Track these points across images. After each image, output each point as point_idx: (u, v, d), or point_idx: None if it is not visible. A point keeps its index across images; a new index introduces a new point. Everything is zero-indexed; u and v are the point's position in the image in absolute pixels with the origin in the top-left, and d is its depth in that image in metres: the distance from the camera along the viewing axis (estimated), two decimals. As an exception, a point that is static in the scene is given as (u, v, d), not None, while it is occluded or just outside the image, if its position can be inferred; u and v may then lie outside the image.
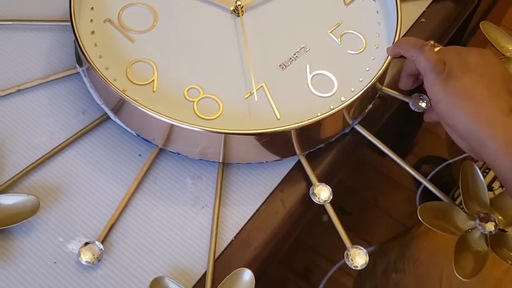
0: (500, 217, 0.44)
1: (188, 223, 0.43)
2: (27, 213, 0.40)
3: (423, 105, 0.49)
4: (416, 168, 1.25)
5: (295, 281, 1.12)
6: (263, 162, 0.46)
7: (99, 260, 0.40)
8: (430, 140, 1.32)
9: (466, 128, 0.38)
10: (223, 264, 0.41)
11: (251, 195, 0.45)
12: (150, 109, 0.42)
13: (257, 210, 0.45)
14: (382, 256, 0.89)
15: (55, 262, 0.40)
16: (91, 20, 0.48)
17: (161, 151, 0.46)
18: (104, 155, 0.45)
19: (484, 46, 0.74)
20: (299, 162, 0.47)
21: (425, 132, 1.30)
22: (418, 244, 0.80)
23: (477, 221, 0.43)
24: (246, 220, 0.44)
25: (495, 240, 0.43)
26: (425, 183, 0.46)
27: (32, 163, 0.44)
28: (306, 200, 0.46)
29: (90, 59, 0.44)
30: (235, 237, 0.43)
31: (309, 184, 0.46)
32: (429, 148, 1.33)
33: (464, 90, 0.38)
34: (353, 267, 0.41)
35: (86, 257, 0.39)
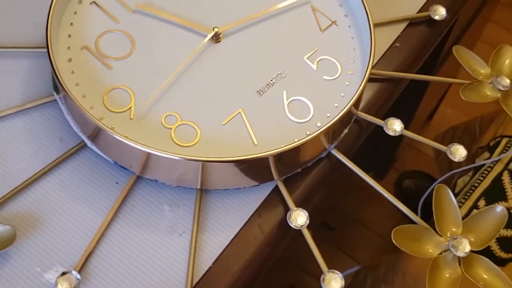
0: (472, 239, 0.45)
1: (166, 250, 0.43)
2: (3, 243, 0.40)
3: (398, 128, 0.50)
4: (398, 182, 1.27)
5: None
6: (241, 188, 0.47)
7: (76, 291, 0.40)
8: (411, 154, 1.34)
9: None
10: (202, 291, 0.42)
11: (229, 221, 0.45)
12: (126, 137, 0.42)
13: (235, 236, 0.45)
14: (372, 269, 0.89)
15: (31, 293, 0.40)
16: (68, 47, 0.49)
17: (139, 178, 0.46)
18: (81, 183, 0.45)
19: (458, 69, 0.76)
20: (276, 187, 0.48)
21: (406, 146, 1.32)
22: (406, 256, 0.81)
23: (450, 244, 0.44)
24: (224, 247, 0.44)
25: (468, 262, 0.44)
26: (398, 205, 0.47)
27: (8, 192, 0.44)
28: (284, 224, 0.46)
29: (67, 87, 0.44)
30: (213, 263, 0.43)
31: (287, 208, 0.46)
32: (410, 162, 1.35)
33: None
34: (328, 292, 0.41)
35: (63, 287, 0.39)
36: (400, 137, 0.51)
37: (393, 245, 0.43)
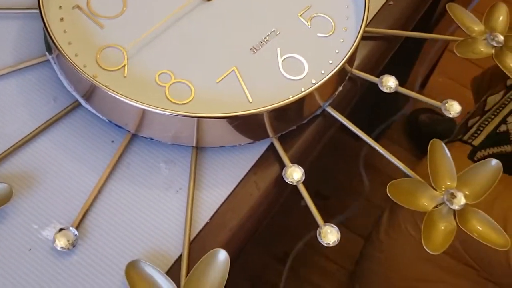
0: (467, 193, 0.45)
1: (163, 206, 0.43)
2: (0, 201, 0.40)
3: (392, 85, 0.50)
4: (412, 118, 1.28)
5: (274, 266, 1.14)
6: (236, 145, 0.47)
7: (74, 246, 0.40)
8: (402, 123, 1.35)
9: None
10: (199, 246, 0.42)
11: (225, 178, 0.46)
12: (121, 94, 0.42)
13: (231, 193, 0.45)
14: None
15: (30, 249, 0.40)
16: (60, 6, 0.48)
17: (134, 136, 0.46)
18: (76, 142, 0.45)
19: (455, 30, 0.76)
20: (271, 145, 0.48)
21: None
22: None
23: (445, 197, 0.44)
24: (220, 203, 0.45)
25: (463, 215, 0.44)
26: (393, 160, 0.47)
27: (4, 151, 0.43)
28: (280, 181, 0.46)
29: (60, 46, 0.44)
30: (210, 219, 0.44)
31: (282, 166, 0.46)
32: (403, 131, 1.36)
33: None
34: (325, 244, 0.42)
35: (60, 243, 0.40)
36: (393, 102, 0.51)
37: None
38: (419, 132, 1.29)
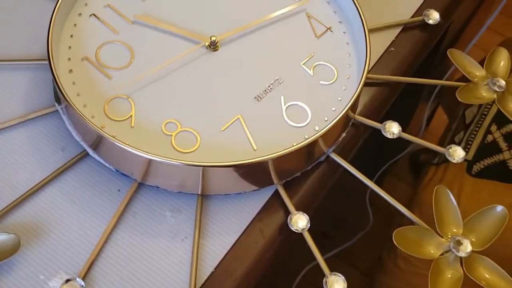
0: (473, 239, 0.45)
1: (169, 256, 0.43)
2: (8, 252, 0.41)
3: (395, 131, 0.50)
4: (413, 160, 1.28)
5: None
6: (241, 193, 0.47)
7: (80, 297, 0.40)
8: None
9: None
10: (205, 295, 0.42)
11: (231, 225, 0.46)
12: (128, 144, 0.43)
13: (236, 240, 0.45)
14: None
15: (36, 301, 0.40)
16: (69, 58, 0.49)
17: (140, 185, 0.46)
18: (84, 191, 0.46)
19: (453, 71, 0.77)
20: (277, 191, 0.48)
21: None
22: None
23: (452, 244, 0.44)
24: (226, 251, 0.45)
25: (469, 262, 0.44)
26: (398, 207, 0.47)
27: (12, 202, 0.44)
28: (285, 228, 0.46)
29: (68, 97, 0.45)
30: (215, 268, 0.44)
31: (287, 212, 0.47)
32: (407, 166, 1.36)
33: None
34: (332, 294, 0.42)
35: (67, 294, 0.40)
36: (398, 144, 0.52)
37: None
38: (421, 170, 1.29)
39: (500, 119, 0.79)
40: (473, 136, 0.81)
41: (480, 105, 0.85)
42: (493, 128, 0.80)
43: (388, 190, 0.48)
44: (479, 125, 0.82)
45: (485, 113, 0.82)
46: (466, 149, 0.80)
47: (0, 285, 0.41)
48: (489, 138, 0.80)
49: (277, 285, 1.10)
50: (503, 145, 0.79)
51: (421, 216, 0.47)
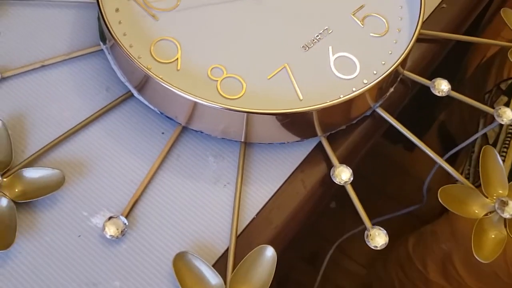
0: (519, 202, 0.44)
1: (211, 200, 0.43)
2: (52, 187, 0.41)
3: (445, 88, 0.49)
4: (440, 131, 1.25)
5: (301, 266, 1.13)
6: (284, 143, 0.47)
7: (123, 235, 0.40)
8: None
9: None
10: (245, 241, 0.42)
11: (272, 174, 0.46)
12: (174, 86, 0.42)
13: (278, 190, 0.45)
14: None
15: (79, 236, 0.41)
16: (115, -3, 0.48)
17: (184, 129, 0.46)
18: (127, 132, 0.46)
19: (498, 34, 0.74)
20: (320, 144, 0.47)
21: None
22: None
23: (496, 205, 0.43)
24: (267, 199, 0.44)
25: (514, 224, 0.43)
26: (441, 163, 0.46)
27: (56, 138, 0.44)
28: (327, 181, 0.46)
29: (116, 36, 0.44)
30: (256, 215, 0.43)
31: (330, 165, 0.46)
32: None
33: None
34: (373, 247, 0.41)
35: (110, 231, 0.40)
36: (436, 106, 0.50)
37: (419, 222, 0.43)
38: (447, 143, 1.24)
39: None
40: (502, 157, 0.75)
41: (501, 125, 0.75)
42: None
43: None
44: (506, 146, 0.75)
45: (510, 131, 0.73)
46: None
47: (44, 219, 0.41)
48: None
49: (303, 247, 1.11)
50: None
51: None
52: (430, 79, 0.50)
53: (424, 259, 0.79)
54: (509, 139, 0.73)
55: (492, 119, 0.49)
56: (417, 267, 0.80)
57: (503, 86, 0.76)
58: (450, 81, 0.50)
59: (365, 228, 0.42)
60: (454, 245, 0.74)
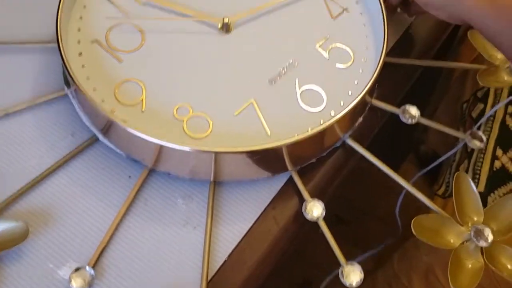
0: (494, 228, 0.44)
1: (181, 243, 0.42)
2: (16, 239, 0.40)
3: (415, 115, 0.49)
4: (415, 151, 1.23)
5: (294, 292, 1.11)
6: (255, 179, 0.46)
7: (90, 286, 0.39)
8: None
9: None
10: (217, 285, 0.41)
11: (244, 213, 0.45)
12: (139, 129, 0.42)
13: (250, 229, 0.44)
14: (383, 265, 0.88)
15: (45, 289, 0.40)
16: (78, 41, 0.48)
17: (151, 171, 0.45)
18: (94, 177, 0.45)
19: (473, 53, 0.74)
20: (291, 178, 0.47)
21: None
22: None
23: (472, 233, 0.43)
24: (239, 240, 0.44)
25: (491, 252, 0.43)
26: (415, 194, 0.46)
27: (20, 188, 0.43)
28: (299, 216, 0.45)
29: (77, 81, 0.44)
30: (228, 257, 0.43)
31: (302, 199, 0.45)
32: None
33: None
34: (347, 285, 0.40)
35: (77, 283, 0.39)
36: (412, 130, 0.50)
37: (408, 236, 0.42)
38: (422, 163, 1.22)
39: (504, 141, 0.71)
40: (479, 164, 0.72)
41: (477, 128, 0.77)
42: (499, 152, 0.71)
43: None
44: (483, 151, 0.75)
45: (487, 136, 0.72)
46: (475, 180, 0.71)
47: (9, 272, 0.40)
48: (497, 164, 0.71)
49: (291, 273, 1.09)
50: None
51: None
52: (402, 104, 0.50)
53: (408, 274, 0.78)
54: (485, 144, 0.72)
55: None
56: (403, 283, 0.79)
57: (479, 94, 0.76)
58: (423, 103, 0.50)
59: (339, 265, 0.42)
60: (435, 256, 0.74)
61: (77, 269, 0.39)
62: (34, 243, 0.41)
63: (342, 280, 0.41)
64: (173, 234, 0.43)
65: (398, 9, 0.55)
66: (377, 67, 0.47)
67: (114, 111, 0.45)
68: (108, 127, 0.44)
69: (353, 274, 0.41)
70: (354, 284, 0.40)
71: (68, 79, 0.47)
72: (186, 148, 0.42)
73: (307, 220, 0.45)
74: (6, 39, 0.51)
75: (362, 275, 0.41)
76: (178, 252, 0.42)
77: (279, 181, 0.47)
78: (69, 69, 0.44)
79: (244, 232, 0.44)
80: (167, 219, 0.43)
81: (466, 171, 0.73)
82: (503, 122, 0.71)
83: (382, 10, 0.50)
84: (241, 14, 0.50)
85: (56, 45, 0.45)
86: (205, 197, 0.45)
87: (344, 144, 0.48)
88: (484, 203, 0.71)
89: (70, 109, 0.48)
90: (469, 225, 0.44)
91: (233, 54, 0.49)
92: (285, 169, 0.46)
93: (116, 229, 0.42)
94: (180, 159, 0.44)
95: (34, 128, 0.47)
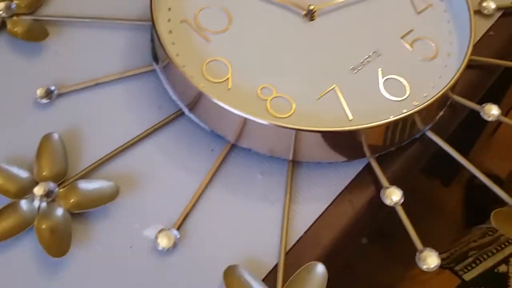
0: None
1: (259, 216, 0.43)
2: (106, 198, 0.42)
3: (495, 113, 0.49)
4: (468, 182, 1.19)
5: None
6: (332, 162, 0.47)
7: (174, 247, 0.41)
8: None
9: None
10: (293, 258, 0.42)
11: (320, 194, 0.45)
12: (225, 103, 0.43)
13: (325, 209, 0.45)
14: None
15: (131, 247, 0.41)
16: (169, 20, 0.50)
17: (233, 147, 0.47)
18: (179, 148, 0.46)
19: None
20: (368, 165, 0.47)
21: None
22: None
23: (553, 231, 0.42)
24: (315, 219, 0.44)
25: None
26: (494, 189, 0.45)
27: (110, 152, 0.45)
28: (375, 203, 0.46)
29: (170, 55, 0.46)
30: (304, 233, 0.43)
31: (378, 187, 0.46)
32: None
33: None
34: (425, 269, 0.41)
35: (162, 242, 0.40)
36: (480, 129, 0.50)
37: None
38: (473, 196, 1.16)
39: None
40: (485, 256, 0.67)
41: None
42: None
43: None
44: (499, 248, 0.66)
45: None
46: (469, 266, 0.66)
47: (97, 229, 0.42)
48: (503, 268, 0.65)
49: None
50: None
51: None
52: (481, 104, 0.50)
53: None
54: None
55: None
56: None
57: None
58: (497, 104, 0.50)
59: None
60: None
61: (162, 230, 0.41)
62: (122, 204, 0.43)
63: (419, 264, 0.41)
64: (252, 206, 0.44)
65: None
66: (462, 63, 0.47)
67: (202, 87, 0.46)
68: (195, 102, 0.46)
69: (430, 258, 0.41)
70: (431, 267, 0.40)
71: (157, 55, 0.49)
72: (269, 124, 0.43)
73: (382, 206, 0.45)
74: (99, 15, 0.54)
75: (439, 260, 0.41)
76: (257, 224, 0.43)
77: (356, 167, 0.47)
78: (163, 45, 0.46)
79: (320, 212, 0.45)
80: (247, 193, 0.45)
81: (472, 254, 0.68)
82: None
83: (469, 9, 0.50)
84: (327, 3, 0.51)
85: (142, 23, 0.47)
86: (284, 176, 0.46)
87: (423, 136, 0.48)
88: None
89: (157, 84, 0.50)
90: (550, 223, 0.43)
91: (316, 41, 0.50)
92: (362, 155, 0.47)
93: (199, 197, 0.44)
94: (261, 135, 0.45)
95: (123, 99, 0.49)
